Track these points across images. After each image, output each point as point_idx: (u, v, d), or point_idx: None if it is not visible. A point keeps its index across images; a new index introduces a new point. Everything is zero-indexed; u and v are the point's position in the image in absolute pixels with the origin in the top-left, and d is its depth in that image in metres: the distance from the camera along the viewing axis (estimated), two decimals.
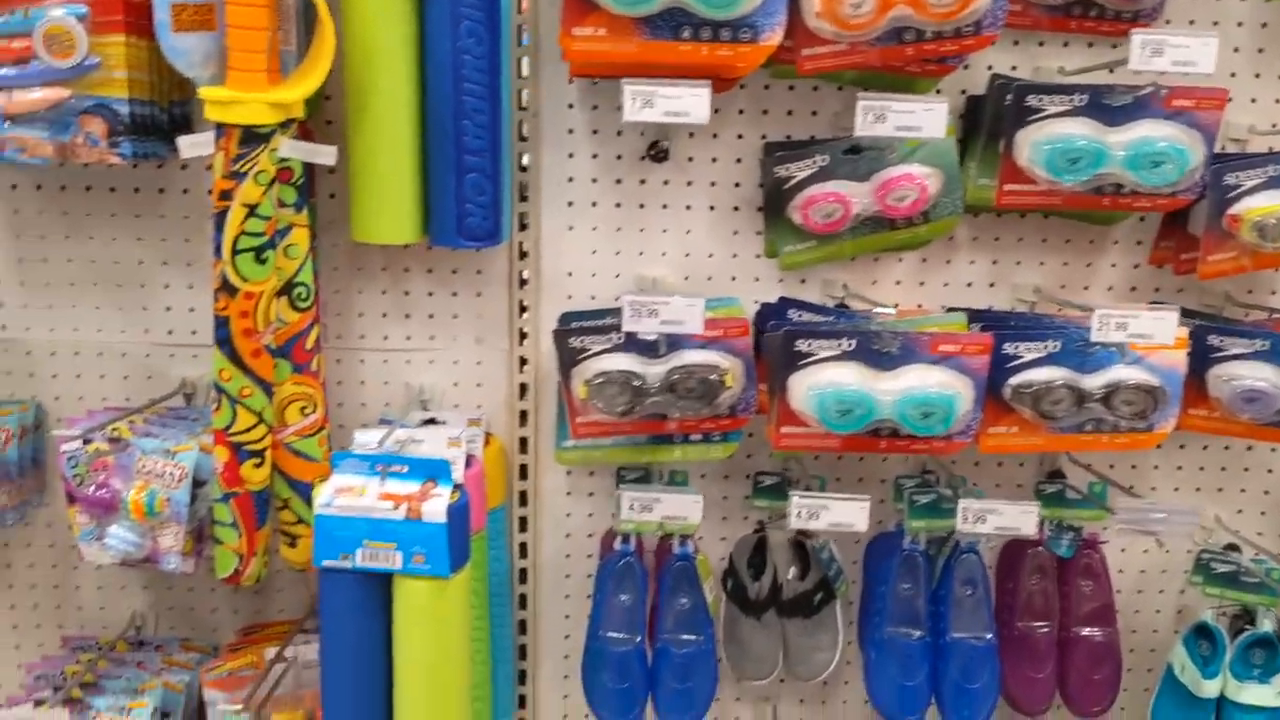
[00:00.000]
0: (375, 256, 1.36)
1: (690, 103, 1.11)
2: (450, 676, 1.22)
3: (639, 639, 1.32)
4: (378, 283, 1.37)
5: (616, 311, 1.30)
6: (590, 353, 1.24)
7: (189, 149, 1.16)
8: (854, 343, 1.19)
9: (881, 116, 1.13)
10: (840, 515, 1.20)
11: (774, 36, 1.14)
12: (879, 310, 1.28)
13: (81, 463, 1.23)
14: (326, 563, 1.19)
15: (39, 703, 1.29)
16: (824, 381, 1.18)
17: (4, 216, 1.34)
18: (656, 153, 1.34)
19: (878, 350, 1.19)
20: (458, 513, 1.20)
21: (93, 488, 1.22)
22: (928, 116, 1.13)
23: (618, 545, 1.32)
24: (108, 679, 1.35)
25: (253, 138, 1.14)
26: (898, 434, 1.22)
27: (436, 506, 1.18)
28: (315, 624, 1.40)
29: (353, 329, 1.38)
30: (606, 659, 1.31)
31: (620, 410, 1.22)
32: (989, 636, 1.35)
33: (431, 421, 1.38)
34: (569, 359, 1.25)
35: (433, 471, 1.22)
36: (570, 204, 1.36)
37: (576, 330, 1.24)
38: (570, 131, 1.34)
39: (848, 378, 1.18)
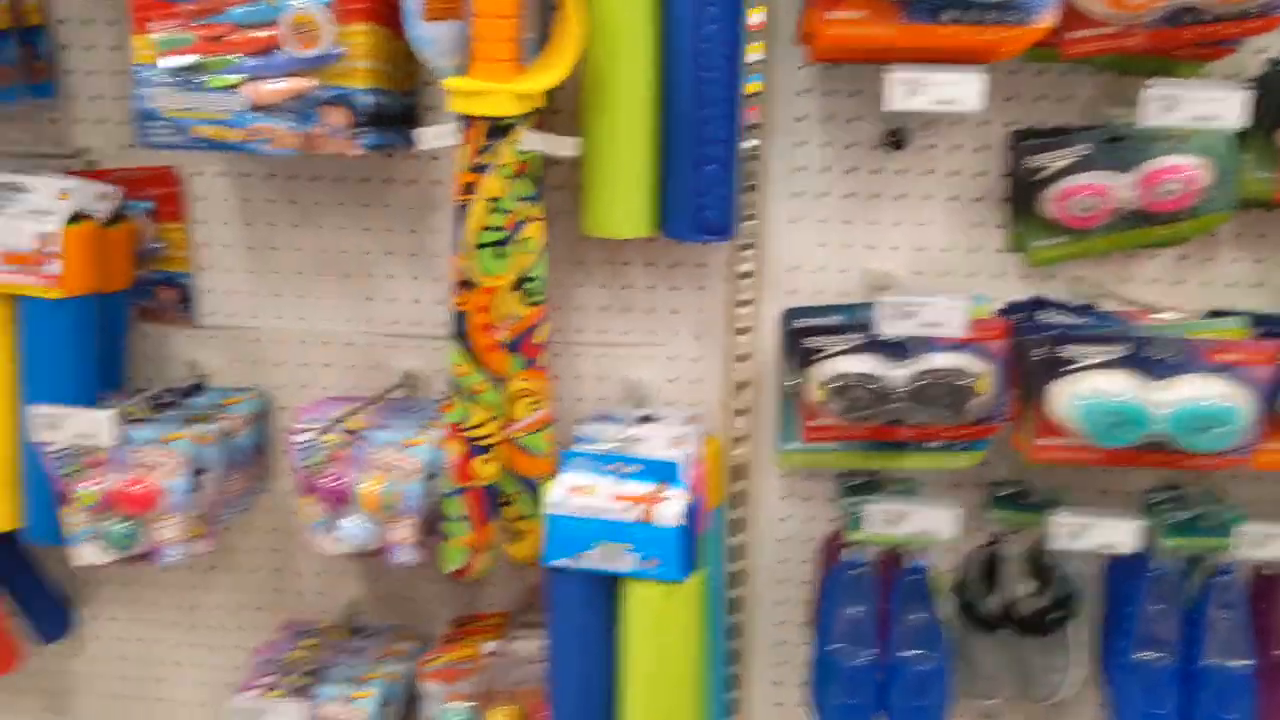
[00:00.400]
0: (595, 250, 1.33)
1: (962, 90, 1.04)
2: (679, 682, 1.19)
3: (870, 653, 1.26)
4: (596, 276, 1.34)
5: (846, 308, 1.25)
6: (828, 353, 1.19)
7: (430, 141, 1.15)
8: (1127, 348, 1.10)
9: (1173, 105, 1.03)
10: (1106, 536, 1.12)
11: (1045, 19, 1.06)
12: (1157, 315, 1.19)
13: (316, 454, 1.23)
14: (557, 562, 1.17)
15: (269, 688, 1.31)
16: (1092, 390, 1.10)
17: (235, 205, 1.36)
18: (894, 140, 1.27)
19: (1149, 357, 1.10)
20: (691, 517, 1.16)
21: (327, 479, 1.23)
22: (1224, 105, 1.04)
23: (848, 555, 1.26)
24: (330, 667, 1.36)
25: (496, 130, 1.11)
26: (1165, 448, 1.13)
27: (671, 510, 1.14)
28: (529, 618, 1.40)
29: (570, 323, 1.35)
30: (836, 673, 1.26)
31: (860, 415, 1.17)
32: (1248, 663, 1.25)
33: (648, 419, 1.34)
34: (804, 358, 1.20)
35: (664, 473, 1.19)
36: (798, 195, 1.30)
37: (814, 329, 1.19)
38: (801, 119, 1.28)
39: (1118, 387, 1.10)
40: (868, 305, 1.25)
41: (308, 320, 1.38)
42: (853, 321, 1.23)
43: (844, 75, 1.27)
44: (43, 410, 1.18)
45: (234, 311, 1.39)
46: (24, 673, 1.49)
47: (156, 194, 1.34)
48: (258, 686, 1.33)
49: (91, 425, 1.18)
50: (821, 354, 1.18)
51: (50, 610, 1.48)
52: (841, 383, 1.16)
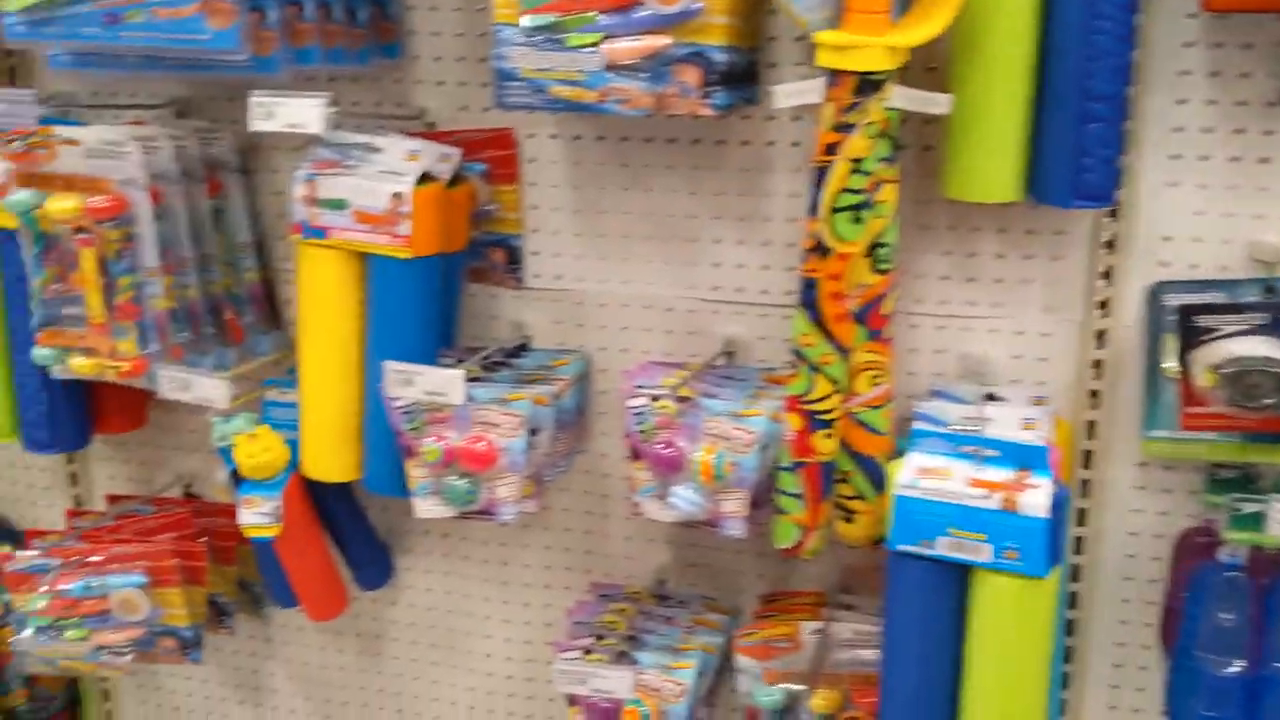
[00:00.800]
0: (941, 214, 1.25)
1: None
2: (1028, 679, 1.11)
3: (1241, 664, 1.14)
4: (941, 242, 1.26)
5: (1226, 284, 1.13)
6: (1221, 333, 1.07)
7: (789, 98, 1.09)
8: None
9: None
10: None
11: None
12: None
13: (648, 419, 1.21)
14: (903, 547, 1.11)
15: (587, 652, 1.31)
16: None
17: (566, 167, 1.35)
18: None
19: None
20: (1058, 507, 1.08)
21: (659, 445, 1.21)
22: None
23: (1224, 555, 1.14)
24: (643, 634, 1.35)
25: (865, 86, 1.05)
26: None
27: (1037, 499, 1.06)
28: (845, 599, 1.35)
29: (909, 291, 1.28)
30: (1201, 682, 1.15)
31: (1261, 404, 1.05)
32: None
33: (990, 398, 1.26)
34: (1189, 339, 1.09)
35: (1027, 459, 1.10)
36: (1176, 157, 1.18)
37: (1202, 306, 1.08)
38: (1185, 74, 1.16)
39: None
40: (1253, 281, 1.13)
41: (631, 283, 1.36)
42: (1235, 299, 1.11)
43: (1235, 26, 1.13)
44: (397, 367, 1.21)
45: (560, 273, 1.38)
46: (343, 617, 1.55)
47: (491, 156, 1.34)
48: (574, 648, 1.33)
49: (443, 383, 1.20)
50: (1213, 334, 1.07)
51: (374, 559, 1.53)
52: (1238, 367, 1.04)
